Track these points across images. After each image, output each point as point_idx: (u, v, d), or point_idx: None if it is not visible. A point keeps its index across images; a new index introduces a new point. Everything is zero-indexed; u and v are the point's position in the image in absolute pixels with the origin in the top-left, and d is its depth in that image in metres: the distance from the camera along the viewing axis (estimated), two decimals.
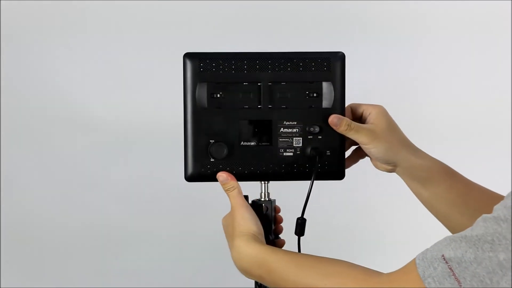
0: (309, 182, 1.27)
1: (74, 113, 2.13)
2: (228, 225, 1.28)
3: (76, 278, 2.19)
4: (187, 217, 2.13)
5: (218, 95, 1.32)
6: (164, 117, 2.03)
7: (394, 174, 1.30)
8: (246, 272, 1.20)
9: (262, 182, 1.37)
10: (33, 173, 2.18)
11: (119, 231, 2.16)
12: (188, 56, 1.32)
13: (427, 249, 0.98)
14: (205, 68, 1.31)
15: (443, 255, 0.93)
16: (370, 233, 2.06)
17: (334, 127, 1.25)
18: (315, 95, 1.30)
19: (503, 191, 1.96)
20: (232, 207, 1.27)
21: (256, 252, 1.18)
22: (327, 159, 1.30)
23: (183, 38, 2.04)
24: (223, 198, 1.91)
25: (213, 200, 2.08)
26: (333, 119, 1.25)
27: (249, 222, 1.23)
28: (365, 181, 1.96)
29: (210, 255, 2.13)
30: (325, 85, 1.29)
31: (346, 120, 1.24)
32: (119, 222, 2.15)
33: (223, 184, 1.29)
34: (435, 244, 0.97)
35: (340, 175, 1.31)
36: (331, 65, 1.29)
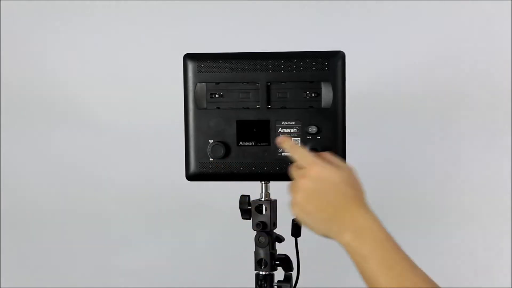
0: None
1: (74, 112, 2.13)
2: (352, 185, 1.11)
3: (76, 278, 2.19)
4: (188, 216, 2.13)
5: (217, 95, 1.32)
6: (164, 117, 2.03)
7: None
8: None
9: (262, 182, 1.37)
10: (32, 172, 2.18)
11: (119, 230, 2.16)
12: (188, 56, 1.33)
13: None
14: (205, 69, 1.32)
15: None
16: None
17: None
18: (313, 95, 1.30)
19: (503, 183, 1.96)
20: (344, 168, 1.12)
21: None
22: None
23: (183, 38, 2.04)
24: (224, 198, 1.92)
25: (214, 199, 2.08)
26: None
27: None
28: (366, 181, 1.96)
29: (210, 255, 2.13)
30: (325, 85, 1.29)
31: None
32: (119, 222, 2.15)
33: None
34: None
35: None
36: (331, 64, 1.29)
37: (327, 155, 1.14)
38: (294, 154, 1.14)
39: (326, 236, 1.08)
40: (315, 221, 1.08)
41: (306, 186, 1.08)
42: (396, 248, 1.06)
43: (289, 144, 1.16)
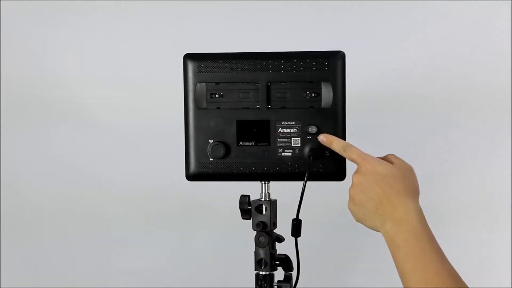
0: (310, 182, 1.28)
1: (74, 112, 2.12)
2: (402, 180, 1.16)
3: (76, 278, 2.18)
4: (188, 216, 2.13)
5: (217, 95, 1.32)
6: (164, 117, 2.03)
7: None
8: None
9: (262, 182, 1.37)
10: (32, 172, 2.18)
11: (119, 230, 2.16)
12: (188, 56, 1.33)
13: None
14: (205, 69, 1.32)
15: None
16: (373, 232, 2.06)
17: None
18: (313, 95, 1.30)
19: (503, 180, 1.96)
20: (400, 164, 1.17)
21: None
22: (326, 160, 1.29)
23: (183, 38, 2.04)
24: (224, 198, 1.92)
25: (214, 199, 2.08)
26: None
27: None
28: None
29: (210, 255, 2.13)
30: (325, 85, 1.29)
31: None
32: (119, 222, 2.15)
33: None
34: None
35: (340, 176, 1.31)
36: (331, 64, 1.29)
37: (392, 156, 1.20)
38: (346, 153, 1.19)
39: (374, 228, 1.14)
40: (363, 212, 1.14)
41: (357, 180, 1.15)
42: (430, 242, 1.09)
43: (340, 146, 1.22)
